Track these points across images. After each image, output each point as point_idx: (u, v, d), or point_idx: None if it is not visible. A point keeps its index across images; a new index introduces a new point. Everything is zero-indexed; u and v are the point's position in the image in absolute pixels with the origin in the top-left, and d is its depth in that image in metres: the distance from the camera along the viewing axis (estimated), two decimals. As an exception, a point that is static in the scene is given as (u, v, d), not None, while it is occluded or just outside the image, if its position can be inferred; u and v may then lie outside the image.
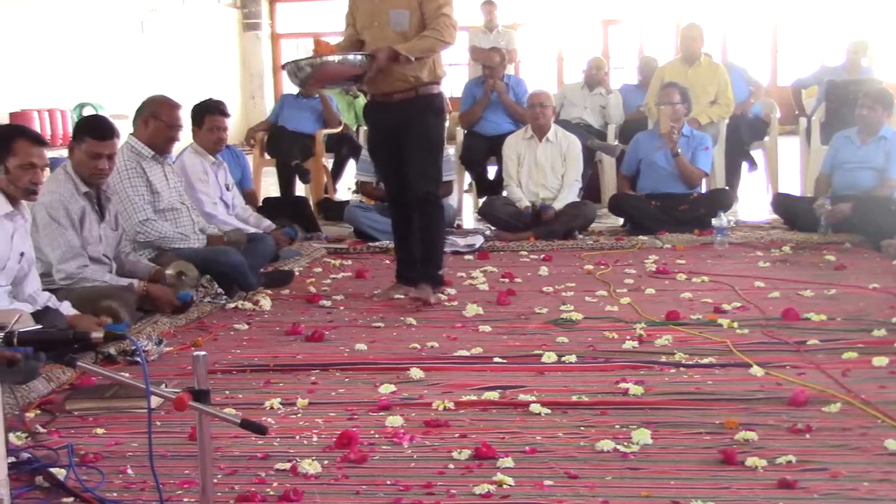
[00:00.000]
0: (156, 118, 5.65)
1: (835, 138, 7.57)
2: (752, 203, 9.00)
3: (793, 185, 8.95)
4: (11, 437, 3.16)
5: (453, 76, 16.65)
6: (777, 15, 17.98)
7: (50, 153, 4.37)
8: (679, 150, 7.55)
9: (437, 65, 5.31)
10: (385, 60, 5.05)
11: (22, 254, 4.31)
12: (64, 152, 9.79)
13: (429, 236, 5.41)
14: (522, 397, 3.60)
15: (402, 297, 5.38)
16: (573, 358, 4.12)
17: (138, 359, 4.13)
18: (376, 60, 5.06)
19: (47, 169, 4.34)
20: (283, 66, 5.18)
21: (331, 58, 5.15)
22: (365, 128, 10.08)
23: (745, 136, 9.00)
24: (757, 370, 3.85)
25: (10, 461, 2.69)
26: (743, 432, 3.15)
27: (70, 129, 11.00)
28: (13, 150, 4.13)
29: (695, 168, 7.62)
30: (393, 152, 5.35)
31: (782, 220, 7.65)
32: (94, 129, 4.86)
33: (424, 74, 5.24)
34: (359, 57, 5.13)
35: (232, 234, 6.01)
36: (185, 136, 6.56)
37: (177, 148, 6.63)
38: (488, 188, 8.81)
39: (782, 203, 7.74)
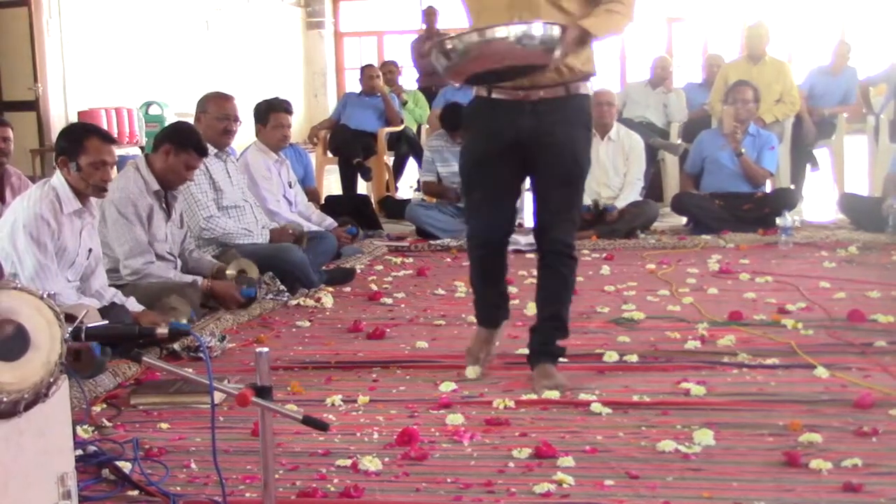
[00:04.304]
0: (205, 113, 5.76)
1: (904, 136, 7.46)
2: (818, 202, 8.89)
3: (860, 184, 8.82)
4: (79, 430, 3.21)
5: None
6: (845, 12, 17.70)
7: (117, 151, 4.44)
8: (743, 150, 7.48)
9: (593, 53, 3.74)
10: (574, 44, 3.51)
11: (90, 250, 4.40)
12: (130, 151, 9.94)
13: (565, 296, 3.93)
14: (583, 396, 3.58)
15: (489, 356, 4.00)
16: (634, 357, 4.10)
17: (202, 355, 4.16)
18: (563, 42, 3.43)
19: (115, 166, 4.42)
20: (431, 48, 3.48)
21: (503, 30, 3.36)
22: (426, 127, 10.18)
23: (810, 134, 8.89)
24: (822, 371, 3.80)
25: (77, 454, 2.73)
26: (807, 434, 3.11)
27: (136, 128, 11.15)
28: (85, 149, 4.21)
29: (759, 168, 7.54)
30: (511, 174, 3.81)
31: (848, 219, 7.54)
32: (198, 145, 5.01)
33: (580, 63, 3.68)
34: (553, 29, 3.38)
35: (295, 227, 6.06)
36: (249, 134, 6.65)
37: (240, 146, 6.71)
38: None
39: (849, 202, 7.63)
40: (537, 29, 3.37)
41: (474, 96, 3.81)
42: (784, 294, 5.31)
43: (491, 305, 4.03)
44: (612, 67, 18.13)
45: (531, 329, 3.97)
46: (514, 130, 3.65)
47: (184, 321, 4.49)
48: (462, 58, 3.39)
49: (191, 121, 5.87)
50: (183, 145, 4.94)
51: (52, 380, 2.26)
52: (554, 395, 3.60)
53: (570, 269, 3.87)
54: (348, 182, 9.33)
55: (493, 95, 3.69)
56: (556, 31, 3.39)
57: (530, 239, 6.97)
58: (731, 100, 7.62)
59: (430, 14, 11.77)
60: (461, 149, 3.99)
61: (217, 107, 5.76)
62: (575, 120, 3.73)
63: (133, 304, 4.46)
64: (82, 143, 4.22)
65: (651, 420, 3.36)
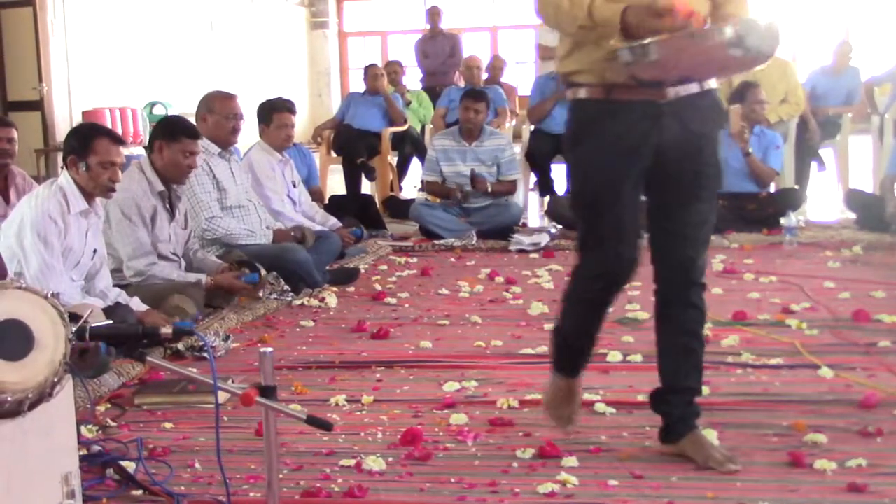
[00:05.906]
0: (211, 112, 5.75)
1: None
2: (822, 202, 8.87)
3: (864, 183, 8.80)
4: (83, 429, 3.21)
5: (519, 74, 16.65)
6: (849, 12, 17.70)
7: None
8: (750, 150, 7.47)
9: None
10: None
11: (95, 251, 4.41)
12: (135, 151, 9.95)
13: (700, 343, 3.13)
14: (587, 396, 3.57)
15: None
16: (639, 357, 4.08)
17: (206, 355, 4.17)
18: None
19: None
20: (622, 52, 2.74)
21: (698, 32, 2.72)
22: (430, 126, 10.16)
23: (815, 135, 8.87)
24: (826, 372, 3.80)
25: (81, 454, 2.74)
26: (812, 434, 3.11)
27: (140, 128, 11.17)
28: (94, 149, 4.23)
29: (766, 167, 7.52)
30: (639, 194, 3.06)
31: (854, 216, 7.51)
32: (188, 129, 5.03)
33: None
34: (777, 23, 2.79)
35: (298, 230, 6.06)
36: (253, 133, 6.65)
37: (243, 146, 6.71)
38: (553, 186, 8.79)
39: (855, 199, 7.61)
40: (768, 24, 2.74)
41: (580, 99, 3.00)
42: (788, 294, 5.30)
43: (580, 352, 3.31)
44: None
45: (658, 396, 3.17)
46: (653, 138, 2.91)
47: (188, 321, 4.50)
48: (644, 57, 2.70)
49: (193, 121, 5.88)
50: (173, 134, 4.95)
51: (56, 379, 2.26)
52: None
53: (704, 301, 3.10)
54: (352, 182, 9.32)
55: (613, 96, 2.91)
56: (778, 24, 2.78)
57: (534, 238, 7.03)
58: (743, 100, 7.58)
59: (433, 14, 11.76)
60: (575, 163, 3.11)
61: (224, 106, 5.76)
62: (716, 121, 3.09)
63: (137, 304, 4.46)
64: (91, 144, 4.24)
65: (655, 420, 3.34)
